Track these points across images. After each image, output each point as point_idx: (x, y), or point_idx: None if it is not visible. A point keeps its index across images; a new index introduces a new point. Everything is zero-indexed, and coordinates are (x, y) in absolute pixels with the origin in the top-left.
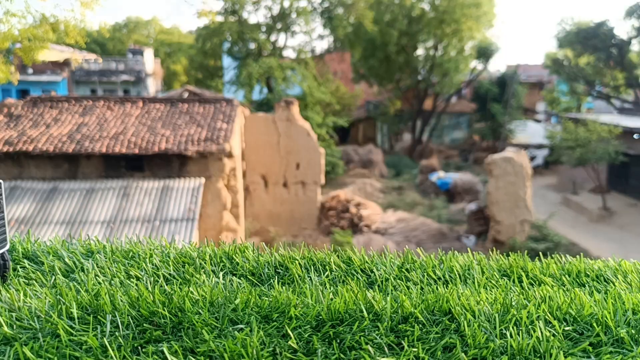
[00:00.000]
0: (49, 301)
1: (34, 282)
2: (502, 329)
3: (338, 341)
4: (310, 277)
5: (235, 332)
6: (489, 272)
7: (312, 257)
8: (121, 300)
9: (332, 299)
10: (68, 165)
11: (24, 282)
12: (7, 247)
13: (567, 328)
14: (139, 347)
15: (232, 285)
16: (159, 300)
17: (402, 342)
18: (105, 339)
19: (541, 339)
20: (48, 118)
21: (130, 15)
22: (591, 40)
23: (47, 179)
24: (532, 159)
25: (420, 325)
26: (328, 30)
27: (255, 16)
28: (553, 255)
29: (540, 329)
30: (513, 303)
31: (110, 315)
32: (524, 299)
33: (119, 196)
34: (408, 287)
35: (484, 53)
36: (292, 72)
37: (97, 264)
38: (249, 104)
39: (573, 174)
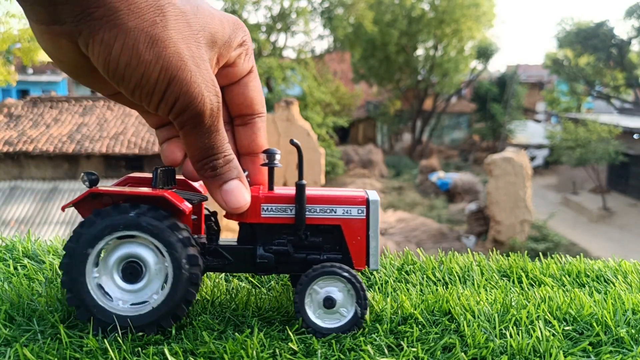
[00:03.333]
0: (50, 301)
1: (35, 281)
2: (501, 329)
3: (338, 343)
4: None
5: (236, 333)
6: (488, 272)
7: None
8: None
9: None
10: (68, 165)
11: (24, 281)
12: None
13: (566, 328)
14: (139, 349)
15: (232, 287)
16: None
17: (402, 342)
18: (105, 340)
19: (541, 338)
20: (48, 118)
21: None
22: (591, 40)
23: (47, 179)
24: (532, 159)
25: (420, 326)
26: (328, 30)
27: (255, 16)
28: (553, 256)
29: (540, 328)
30: (513, 303)
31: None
32: (524, 299)
33: None
34: (408, 290)
35: (484, 53)
36: (292, 72)
37: None
38: None
39: (573, 174)
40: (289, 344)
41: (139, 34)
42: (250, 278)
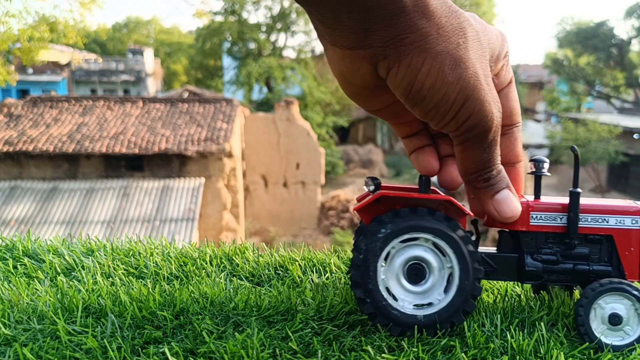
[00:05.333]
0: (50, 300)
1: (35, 280)
2: (502, 329)
3: (338, 343)
4: (312, 279)
5: (236, 333)
6: None
7: (312, 258)
8: (121, 301)
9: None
10: (68, 165)
11: (24, 280)
12: None
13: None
14: (139, 348)
15: (232, 286)
16: (159, 301)
17: (402, 342)
18: (105, 339)
19: (541, 339)
20: (48, 118)
21: (130, 15)
22: (591, 40)
23: (47, 179)
24: None
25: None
26: None
27: (255, 16)
28: None
29: (540, 329)
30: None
31: (111, 316)
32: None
33: (119, 196)
34: None
35: None
36: (292, 72)
37: (98, 262)
38: (249, 104)
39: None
40: (289, 343)
41: (445, 57)
42: (250, 278)
